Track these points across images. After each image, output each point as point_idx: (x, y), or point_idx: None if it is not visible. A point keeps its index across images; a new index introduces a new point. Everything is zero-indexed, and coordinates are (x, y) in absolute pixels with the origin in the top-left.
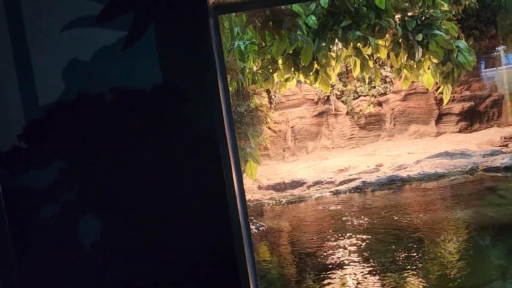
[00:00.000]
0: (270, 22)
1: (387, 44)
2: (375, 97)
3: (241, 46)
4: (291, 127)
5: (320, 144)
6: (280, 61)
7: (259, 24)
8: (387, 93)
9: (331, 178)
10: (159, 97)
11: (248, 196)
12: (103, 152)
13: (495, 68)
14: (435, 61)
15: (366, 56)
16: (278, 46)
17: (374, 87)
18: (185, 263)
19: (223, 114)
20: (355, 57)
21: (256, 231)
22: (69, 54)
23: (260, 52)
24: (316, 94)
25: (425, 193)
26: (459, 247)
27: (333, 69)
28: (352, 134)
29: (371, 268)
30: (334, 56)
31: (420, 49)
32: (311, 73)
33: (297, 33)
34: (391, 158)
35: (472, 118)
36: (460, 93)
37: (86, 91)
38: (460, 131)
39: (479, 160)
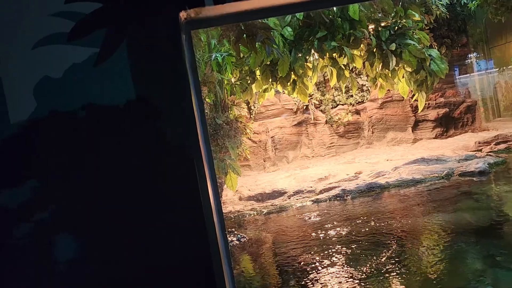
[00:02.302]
0: (244, 36)
1: (362, 54)
2: (353, 105)
3: (218, 58)
4: (271, 137)
5: (300, 153)
6: (258, 72)
7: (234, 38)
8: (364, 101)
9: (311, 187)
10: (132, 114)
11: (229, 208)
12: (76, 169)
13: (467, 75)
14: (409, 69)
15: (342, 66)
16: (255, 58)
17: (352, 95)
18: (162, 279)
19: (197, 129)
20: (331, 67)
21: (237, 242)
22: (40, 71)
23: (238, 64)
24: (295, 103)
25: (404, 199)
26: (438, 251)
27: (310, 79)
28: (332, 143)
29: (353, 275)
30: (311, 67)
31: (394, 58)
32: (288, 84)
33: (272, 46)
34: (370, 165)
35: (447, 124)
36: (435, 100)
37: (58, 108)
38: (436, 137)
39: (455, 165)
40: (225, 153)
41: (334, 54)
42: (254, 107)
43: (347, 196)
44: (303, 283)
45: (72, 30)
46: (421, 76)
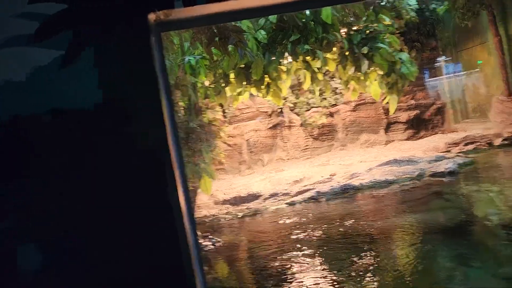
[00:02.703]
0: (217, 39)
1: (335, 57)
2: (327, 108)
3: (192, 61)
4: (246, 140)
5: (275, 156)
6: (232, 75)
7: (206, 41)
8: (338, 104)
9: (286, 189)
10: (100, 117)
11: (204, 212)
12: (40, 175)
13: (437, 78)
14: (381, 72)
15: (315, 69)
16: (229, 61)
17: (325, 98)
18: (132, 285)
19: (167, 132)
20: (305, 70)
21: (212, 246)
22: (3, 74)
23: (212, 67)
24: (270, 106)
25: (377, 200)
26: (411, 251)
27: (285, 82)
28: (307, 145)
29: (328, 276)
30: (285, 70)
31: (366, 62)
32: (262, 87)
33: (244, 48)
34: (344, 167)
35: (418, 126)
36: (406, 102)
37: (21, 113)
38: (408, 139)
39: (426, 166)
40: (199, 157)
41: (307, 57)
42: (229, 110)
43: (321, 198)
44: (278, 285)
45: (37, 31)
46: (392, 79)
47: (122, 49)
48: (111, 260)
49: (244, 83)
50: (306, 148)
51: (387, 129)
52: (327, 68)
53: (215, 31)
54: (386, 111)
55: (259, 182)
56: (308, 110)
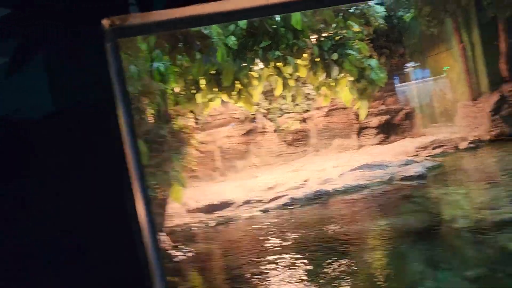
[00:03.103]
0: (181, 45)
1: (306, 63)
2: (300, 114)
3: (160, 67)
4: (219, 147)
5: (249, 163)
6: (202, 82)
7: (169, 47)
8: (310, 109)
9: (259, 196)
10: (52, 128)
11: (176, 221)
12: None
13: (406, 83)
14: (351, 78)
15: (287, 75)
16: (199, 67)
17: (298, 104)
18: None
19: (123, 142)
20: (276, 76)
21: (184, 256)
22: None
23: (182, 73)
24: (243, 113)
25: (349, 205)
26: (382, 255)
27: (256, 88)
28: (280, 151)
29: (303, 281)
30: (256, 76)
31: (336, 68)
32: (234, 93)
33: (209, 54)
34: (317, 172)
35: (389, 130)
36: (377, 107)
37: None
38: (379, 143)
39: (396, 170)
40: (170, 165)
41: (278, 64)
42: (201, 117)
43: (295, 204)
44: None
45: None
46: (362, 85)
47: (75, 56)
48: (68, 273)
49: (215, 89)
50: (280, 154)
51: (359, 134)
52: (298, 74)
53: (179, 37)
54: (358, 116)
55: (233, 189)
56: (282, 116)
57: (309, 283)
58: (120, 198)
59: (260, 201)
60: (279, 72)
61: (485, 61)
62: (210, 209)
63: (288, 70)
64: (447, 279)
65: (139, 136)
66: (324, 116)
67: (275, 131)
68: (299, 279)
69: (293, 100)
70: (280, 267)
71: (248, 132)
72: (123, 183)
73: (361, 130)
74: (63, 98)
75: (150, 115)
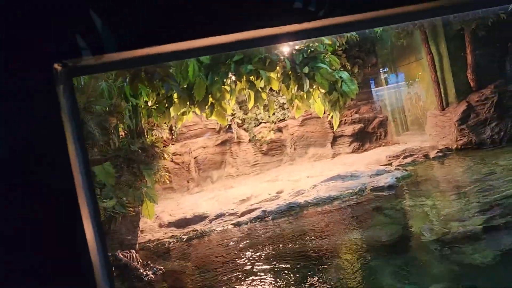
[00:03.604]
0: (142, 74)
1: (278, 76)
2: (275, 123)
3: None
4: (194, 158)
5: (225, 173)
6: (175, 96)
7: (130, 77)
8: (286, 119)
9: (233, 209)
10: (4, 171)
11: (148, 236)
12: None
13: (379, 93)
14: (323, 91)
15: (259, 88)
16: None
17: (274, 114)
18: None
19: (75, 182)
20: (249, 90)
21: (153, 276)
22: None
23: (154, 88)
24: (217, 123)
25: (321, 218)
26: (352, 269)
27: (229, 102)
28: (256, 161)
29: None
30: (229, 90)
31: (308, 81)
32: (206, 107)
33: (170, 83)
34: (291, 183)
35: (363, 139)
36: (351, 116)
37: None
38: (353, 151)
39: (367, 180)
40: (142, 181)
41: (251, 77)
42: (176, 127)
43: (268, 217)
44: None
45: None
46: (334, 97)
47: (25, 101)
48: None
49: (188, 103)
50: (256, 164)
51: (334, 142)
52: (270, 87)
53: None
54: (332, 125)
55: (207, 201)
56: (257, 125)
57: None
58: (72, 241)
59: (233, 214)
60: (251, 85)
61: (452, 72)
62: (182, 223)
63: (260, 83)
64: None
65: (109, 157)
66: (299, 126)
67: (250, 141)
68: None
69: (268, 111)
70: (252, 282)
71: (223, 142)
72: (76, 226)
73: (335, 139)
74: (15, 144)
75: (122, 130)
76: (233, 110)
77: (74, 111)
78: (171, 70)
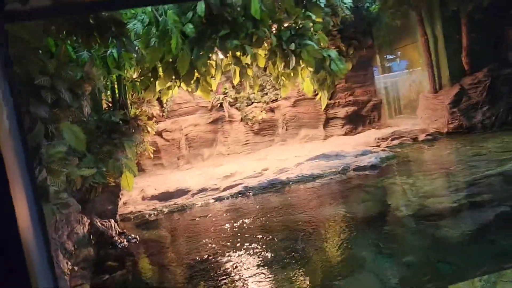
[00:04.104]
0: (95, 33)
1: (265, 53)
2: (267, 103)
3: (114, 54)
4: (185, 135)
5: (216, 151)
6: (160, 70)
7: (85, 34)
8: (278, 99)
9: (215, 184)
10: None
11: (130, 208)
12: None
13: (374, 75)
14: (311, 69)
15: (245, 64)
16: (153, 54)
17: (266, 94)
18: None
19: (8, 139)
20: (234, 66)
21: (128, 244)
22: None
23: (139, 60)
24: (210, 101)
25: (302, 194)
26: (331, 242)
27: (214, 77)
28: (247, 140)
29: (251, 267)
30: (214, 65)
31: (294, 58)
32: (192, 82)
33: (123, 42)
34: (279, 162)
35: (356, 122)
36: (345, 98)
37: None
38: (345, 134)
39: (351, 160)
40: (122, 152)
41: (237, 53)
42: (167, 104)
43: (249, 192)
44: (190, 281)
45: None
46: (321, 76)
47: None
48: None
49: (173, 77)
50: (247, 143)
51: (326, 124)
52: (257, 63)
53: (92, 23)
54: (325, 107)
55: (195, 177)
56: (249, 105)
57: (259, 270)
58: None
59: (215, 189)
60: (237, 61)
61: (447, 54)
62: (165, 196)
63: (246, 59)
64: (388, 264)
65: (79, 123)
66: (292, 106)
67: (242, 120)
68: (249, 264)
69: (262, 90)
70: (224, 253)
71: (215, 121)
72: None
73: (328, 120)
74: None
75: (105, 103)
76: (226, 88)
77: (6, 62)
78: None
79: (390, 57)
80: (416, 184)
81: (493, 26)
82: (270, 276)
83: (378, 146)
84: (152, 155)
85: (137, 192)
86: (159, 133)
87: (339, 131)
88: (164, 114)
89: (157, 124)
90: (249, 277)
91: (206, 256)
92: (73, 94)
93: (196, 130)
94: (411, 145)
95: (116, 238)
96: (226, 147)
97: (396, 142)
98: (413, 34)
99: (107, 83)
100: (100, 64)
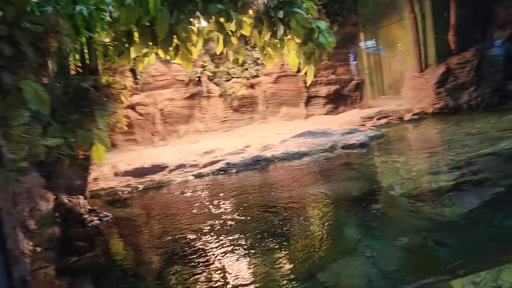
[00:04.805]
0: None
1: (251, 21)
2: (248, 79)
3: (84, 11)
4: (160, 110)
5: (192, 128)
6: (136, 34)
7: None
8: (259, 75)
9: (195, 161)
10: None
11: (101, 184)
12: None
13: (357, 54)
14: (298, 41)
15: (229, 31)
16: (128, 14)
17: (247, 69)
18: None
19: None
20: (217, 33)
21: (99, 222)
22: None
23: (112, 22)
24: (187, 75)
25: (288, 172)
26: (320, 222)
27: (195, 44)
28: (226, 117)
29: (234, 248)
30: (196, 31)
31: (282, 27)
32: (170, 48)
33: None
34: (260, 139)
35: (338, 101)
36: (327, 77)
37: None
38: (327, 113)
39: (339, 138)
40: (93, 122)
41: (220, 19)
42: (141, 76)
43: (231, 169)
44: (166, 263)
45: None
46: (309, 48)
47: None
48: None
49: (150, 43)
50: (225, 120)
51: (307, 103)
52: (241, 31)
53: None
54: (307, 85)
55: (171, 153)
56: (228, 80)
57: (241, 250)
58: None
59: (194, 165)
60: (220, 28)
61: (434, 33)
62: (140, 172)
63: (230, 26)
64: (380, 247)
65: (44, 84)
66: (273, 83)
67: (220, 95)
68: (230, 244)
69: (242, 65)
70: (203, 235)
71: (192, 96)
72: None
73: (309, 99)
74: None
75: (74, 66)
76: (204, 62)
77: None
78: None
79: (375, 35)
80: (409, 162)
81: (482, 5)
82: (252, 261)
83: (364, 125)
84: (126, 128)
85: (109, 168)
86: (132, 107)
87: (321, 110)
88: (138, 86)
89: (130, 97)
90: (229, 260)
91: (184, 237)
92: (36, 49)
93: (172, 105)
94: (397, 124)
95: (86, 216)
96: (203, 124)
97: (382, 121)
98: (400, 12)
99: (76, 45)
100: (67, 23)
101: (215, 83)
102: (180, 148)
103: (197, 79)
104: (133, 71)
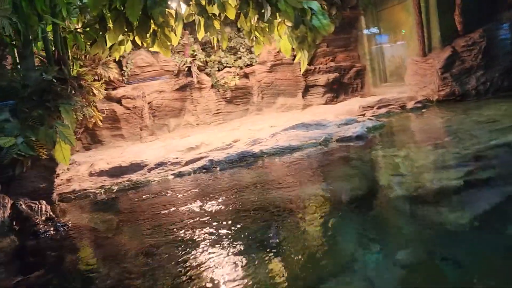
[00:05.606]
0: None
1: (235, 3)
2: (241, 68)
3: None
4: (149, 103)
5: (183, 121)
6: (110, 20)
7: None
8: (253, 64)
9: (177, 158)
10: None
11: (74, 186)
12: None
13: (357, 39)
14: (289, 24)
15: (211, 15)
16: None
17: (240, 57)
18: None
19: None
20: (198, 16)
21: (54, 233)
22: None
23: (82, 7)
24: (176, 65)
25: (277, 169)
26: (312, 229)
27: (174, 29)
28: (219, 109)
29: (216, 257)
30: (174, 15)
31: (269, 8)
32: (148, 35)
33: None
34: (253, 132)
35: (338, 89)
36: (326, 64)
37: None
38: (326, 103)
39: (334, 130)
40: (57, 118)
41: (201, 0)
42: (127, 67)
43: (215, 167)
44: (136, 279)
45: None
46: (301, 32)
47: None
48: None
49: (125, 29)
50: (218, 112)
51: (305, 92)
52: (225, 14)
53: None
54: (305, 73)
55: (156, 149)
56: (221, 70)
57: (225, 259)
58: None
59: (176, 163)
60: (201, 11)
61: (438, 13)
62: (117, 172)
63: (213, 9)
64: (376, 264)
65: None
66: (268, 72)
67: (212, 86)
68: (204, 261)
69: (235, 53)
70: (180, 244)
71: (183, 87)
72: None
73: (307, 88)
74: None
75: (38, 57)
76: (194, 51)
77: None
78: None
79: (375, 19)
80: (410, 157)
81: None
82: (235, 275)
83: (363, 115)
84: (100, 124)
85: (86, 167)
86: (118, 100)
87: (320, 99)
88: (123, 78)
89: (114, 90)
90: (209, 276)
91: (158, 247)
92: None
93: (161, 98)
94: (399, 113)
95: (41, 226)
96: (195, 117)
97: (383, 110)
98: None
99: (38, 32)
100: (27, 8)
101: (206, 74)
102: (168, 143)
103: (187, 69)
104: (119, 62)
